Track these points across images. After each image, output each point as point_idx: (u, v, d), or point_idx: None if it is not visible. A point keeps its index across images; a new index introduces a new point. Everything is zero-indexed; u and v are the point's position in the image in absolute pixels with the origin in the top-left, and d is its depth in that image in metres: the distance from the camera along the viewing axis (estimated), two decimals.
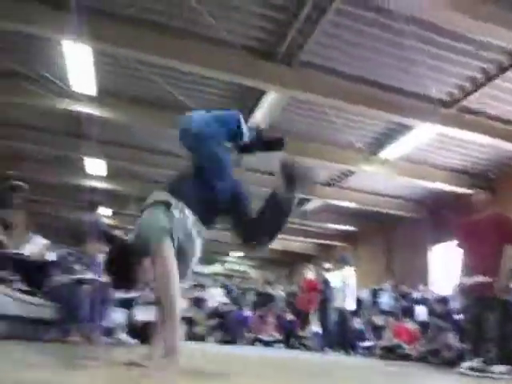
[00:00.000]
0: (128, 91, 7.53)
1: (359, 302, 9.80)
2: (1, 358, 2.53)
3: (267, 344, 9.82)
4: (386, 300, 9.58)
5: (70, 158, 10.29)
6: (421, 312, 8.80)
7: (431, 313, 7.62)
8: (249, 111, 7.73)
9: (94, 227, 5.14)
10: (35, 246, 5.05)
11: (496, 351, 4.21)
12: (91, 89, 7.22)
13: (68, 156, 10.14)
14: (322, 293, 8.79)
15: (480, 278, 4.31)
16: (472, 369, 4.05)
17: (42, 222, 13.19)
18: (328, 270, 9.24)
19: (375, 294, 11.00)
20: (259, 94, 7.21)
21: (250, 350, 7.57)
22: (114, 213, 12.81)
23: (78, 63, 6.49)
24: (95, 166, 10.73)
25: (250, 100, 7.48)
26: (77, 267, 4.56)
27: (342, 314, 8.19)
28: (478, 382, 3.52)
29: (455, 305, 6.95)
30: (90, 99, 7.41)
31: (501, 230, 4.34)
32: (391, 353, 7.73)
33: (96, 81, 7.00)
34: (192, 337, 9.90)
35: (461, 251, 4.72)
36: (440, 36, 5.60)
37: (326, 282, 8.53)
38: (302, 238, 16.05)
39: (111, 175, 11.29)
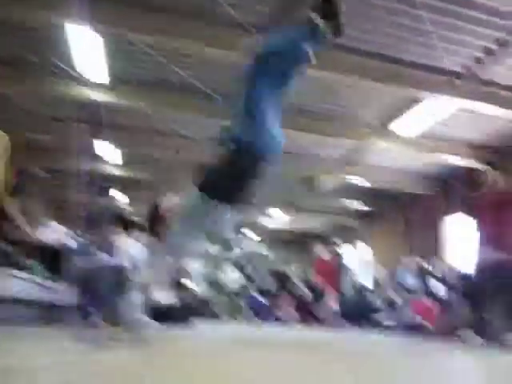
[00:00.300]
0: (139, 76, 7.50)
1: (377, 280, 9.83)
2: (30, 342, 2.60)
3: (285, 323, 9.92)
4: (406, 278, 9.55)
5: (87, 146, 10.35)
6: (440, 288, 8.77)
7: (451, 289, 7.58)
8: None
9: (112, 213, 5.20)
10: (56, 234, 5.15)
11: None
12: (103, 75, 7.22)
13: (84, 144, 10.20)
14: (338, 270, 8.83)
15: (503, 255, 4.28)
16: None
17: (62, 209, 13.46)
18: (340, 246, 9.19)
19: (394, 272, 11.01)
20: None
21: (268, 329, 7.67)
22: (131, 199, 12.93)
23: (88, 50, 6.48)
24: (111, 153, 10.78)
25: None
26: (98, 253, 4.63)
27: (360, 291, 8.22)
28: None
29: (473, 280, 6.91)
30: (102, 86, 7.42)
31: None
32: (412, 330, 7.75)
33: (107, 67, 6.99)
34: (209, 316, 10.06)
35: (478, 225, 4.66)
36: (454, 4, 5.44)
37: (340, 259, 8.56)
38: (316, 217, 16.02)
39: (127, 162, 11.35)
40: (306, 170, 11.09)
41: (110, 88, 7.48)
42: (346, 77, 6.62)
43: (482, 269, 4.62)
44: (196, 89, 7.46)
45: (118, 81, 7.43)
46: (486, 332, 4.25)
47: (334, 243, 9.09)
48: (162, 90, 7.73)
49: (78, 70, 7.02)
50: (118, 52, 6.76)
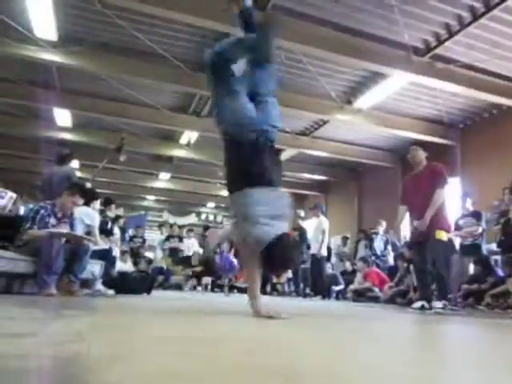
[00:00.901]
0: (93, 37, 7.15)
1: (329, 248, 10.12)
2: None
3: (242, 291, 10.10)
4: (360, 247, 9.88)
5: (37, 110, 9.86)
6: (389, 256, 9.17)
7: (398, 257, 7.95)
8: None
9: (65, 180, 5.03)
10: (2, 200, 4.94)
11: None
12: (52, 34, 6.80)
13: (34, 107, 9.70)
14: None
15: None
16: (422, 307, 4.46)
17: (12, 176, 12.87)
18: (303, 218, 9.40)
19: (346, 241, 11.36)
20: None
21: (226, 298, 7.77)
22: (82, 165, 12.50)
23: (39, 7, 6.09)
24: (62, 117, 10.33)
25: None
26: (51, 220, 4.50)
27: (317, 260, 8.46)
28: (423, 318, 3.83)
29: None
30: (52, 45, 7.01)
31: (434, 179, 4.66)
32: (362, 295, 8.12)
33: (57, 26, 6.60)
34: (168, 286, 10.12)
35: (403, 206, 4.99)
36: None
37: (301, 230, 8.73)
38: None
39: (77, 126, 10.92)
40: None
41: (61, 47, 7.07)
42: (306, 47, 6.57)
43: (409, 241, 5.01)
44: (155, 54, 7.21)
45: (70, 40, 7.04)
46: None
47: (298, 216, 9.24)
48: (120, 53, 7.43)
49: (26, 27, 6.59)
50: (68, 8, 6.39)
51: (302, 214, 9.47)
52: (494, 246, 6.64)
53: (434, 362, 1.25)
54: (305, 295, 8.75)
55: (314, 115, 9.53)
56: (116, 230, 8.41)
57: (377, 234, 9.26)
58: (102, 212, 7.72)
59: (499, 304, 5.81)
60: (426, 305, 4.46)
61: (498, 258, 6.73)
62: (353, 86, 8.46)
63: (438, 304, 4.40)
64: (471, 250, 6.58)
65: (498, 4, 5.76)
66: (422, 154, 4.97)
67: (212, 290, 10.05)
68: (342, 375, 1.01)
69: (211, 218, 19.98)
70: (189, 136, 11.22)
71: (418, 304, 4.54)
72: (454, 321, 3.67)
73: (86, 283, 5.17)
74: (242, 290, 10.09)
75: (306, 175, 14.24)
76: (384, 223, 9.16)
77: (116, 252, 7.51)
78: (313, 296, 8.42)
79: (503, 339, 2.35)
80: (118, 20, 6.40)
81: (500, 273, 6.39)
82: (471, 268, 6.73)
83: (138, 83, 8.32)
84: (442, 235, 4.58)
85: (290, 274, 9.43)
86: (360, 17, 6.29)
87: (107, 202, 8.58)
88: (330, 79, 8.16)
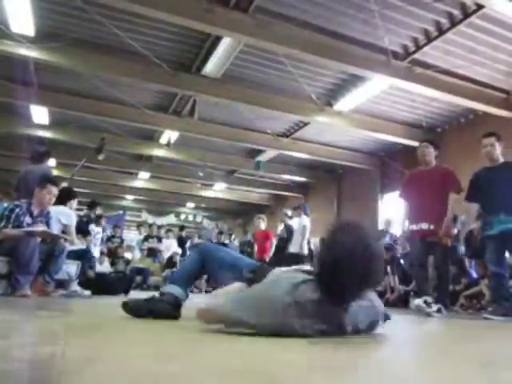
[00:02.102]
0: (73, 33, 7.01)
1: (311, 251, 10.16)
2: None
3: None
4: None
5: (13, 106, 9.63)
6: None
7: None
8: (202, 58, 7.50)
9: (42, 178, 4.93)
10: None
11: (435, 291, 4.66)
12: (30, 29, 6.65)
13: (9, 103, 9.47)
14: (283, 239, 9.06)
15: (426, 225, 4.63)
16: (418, 307, 4.38)
17: None
18: (291, 217, 9.36)
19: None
20: (213, 41, 6.98)
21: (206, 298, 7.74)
22: (59, 163, 12.26)
23: (16, 1, 5.95)
24: (39, 114, 10.12)
25: (203, 46, 7.23)
26: (26, 219, 4.41)
27: (300, 260, 8.48)
28: (419, 320, 3.83)
29: (399, 250, 7.38)
30: (29, 40, 6.85)
31: (447, 181, 4.67)
32: None
33: (35, 21, 6.46)
34: (147, 287, 10.02)
35: (404, 201, 5.01)
36: None
37: (289, 229, 8.79)
38: (256, 189, 16.23)
39: (54, 124, 10.72)
40: (249, 143, 11.12)
41: (39, 43, 6.92)
42: (288, 48, 6.58)
43: (410, 238, 4.96)
44: (136, 52, 7.13)
45: (48, 36, 6.89)
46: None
47: (285, 214, 9.27)
48: (100, 51, 7.32)
49: (3, 22, 6.43)
50: (46, 3, 6.27)
51: (289, 213, 9.48)
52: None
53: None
54: None
55: (295, 117, 9.58)
56: (98, 230, 8.31)
57: None
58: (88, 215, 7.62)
59: (473, 305, 5.94)
60: (429, 299, 4.36)
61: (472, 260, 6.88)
62: (333, 88, 8.53)
63: (435, 307, 4.33)
64: None
65: (475, 11, 5.89)
66: (432, 152, 4.92)
67: (191, 291, 10.00)
68: None
69: (190, 218, 19.88)
70: (169, 136, 11.15)
71: (420, 301, 4.41)
72: (427, 321, 3.73)
73: (62, 284, 5.08)
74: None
75: (286, 176, 14.29)
76: None
77: (96, 252, 7.40)
78: None
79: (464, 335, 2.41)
80: (98, 17, 6.31)
81: (473, 274, 6.53)
82: None
83: (118, 81, 8.21)
84: (449, 241, 4.64)
85: None
86: (341, 20, 6.35)
87: (92, 205, 8.46)
88: (311, 81, 8.21)
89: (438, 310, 4.34)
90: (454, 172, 4.85)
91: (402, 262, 7.54)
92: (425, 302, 4.42)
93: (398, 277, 7.28)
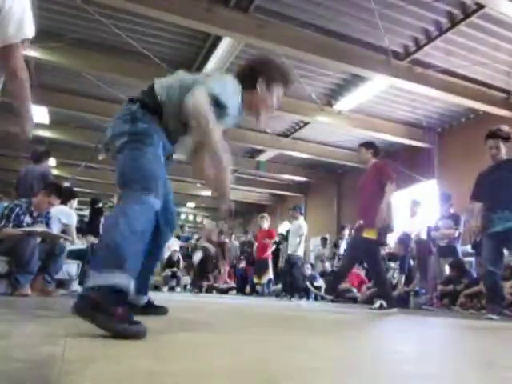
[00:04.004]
0: (73, 33, 7.02)
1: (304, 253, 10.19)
2: None
3: (222, 292, 10.09)
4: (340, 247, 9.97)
5: (13, 105, 9.61)
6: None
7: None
8: (203, 58, 7.49)
9: (41, 178, 4.93)
10: None
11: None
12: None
13: (9, 103, 9.46)
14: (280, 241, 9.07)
15: (358, 222, 4.97)
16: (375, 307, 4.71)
17: None
18: (296, 218, 9.13)
19: (325, 242, 11.44)
20: (214, 40, 6.97)
21: (207, 297, 7.74)
22: (59, 163, 12.26)
23: None
24: (39, 114, 10.10)
25: (203, 46, 7.23)
26: (26, 219, 4.41)
27: (297, 261, 8.48)
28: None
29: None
30: (30, 40, 6.83)
31: (380, 175, 4.87)
32: (340, 296, 8.19)
33: (35, 20, 6.43)
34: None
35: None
36: None
37: (288, 231, 8.81)
38: (256, 189, 16.22)
39: (54, 123, 10.71)
40: (249, 143, 11.11)
41: (39, 43, 6.91)
42: (288, 48, 6.57)
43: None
44: (136, 52, 7.13)
45: (49, 36, 6.88)
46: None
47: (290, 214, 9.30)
48: (100, 51, 7.32)
49: None
50: (46, 3, 6.27)
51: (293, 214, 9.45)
52: (468, 248, 6.78)
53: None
54: (276, 295, 8.87)
55: (295, 117, 9.57)
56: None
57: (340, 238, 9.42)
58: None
59: (473, 304, 5.94)
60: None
61: (473, 259, 6.88)
62: (333, 88, 8.53)
63: (376, 304, 4.64)
64: (447, 251, 6.70)
65: (475, 11, 5.89)
66: (368, 153, 5.04)
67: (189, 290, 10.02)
68: None
69: (191, 218, 19.86)
70: None
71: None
72: (421, 321, 3.73)
73: (63, 284, 5.08)
74: (221, 291, 10.07)
75: (287, 176, 14.29)
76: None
77: None
78: (283, 296, 8.42)
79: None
80: (98, 17, 6.31)
81: (474, 274, 6.53)
82: (447, 269, 6.85)
83: (118, 81, 8.21)
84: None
85: (271, 274, 9.45)
86: (342, 20, 6.35)
87: (94, 202, 8.42)
88: (311, 81, 8.21)
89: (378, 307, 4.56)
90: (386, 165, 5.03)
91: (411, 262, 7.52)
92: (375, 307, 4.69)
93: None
